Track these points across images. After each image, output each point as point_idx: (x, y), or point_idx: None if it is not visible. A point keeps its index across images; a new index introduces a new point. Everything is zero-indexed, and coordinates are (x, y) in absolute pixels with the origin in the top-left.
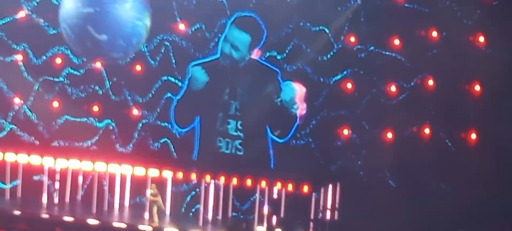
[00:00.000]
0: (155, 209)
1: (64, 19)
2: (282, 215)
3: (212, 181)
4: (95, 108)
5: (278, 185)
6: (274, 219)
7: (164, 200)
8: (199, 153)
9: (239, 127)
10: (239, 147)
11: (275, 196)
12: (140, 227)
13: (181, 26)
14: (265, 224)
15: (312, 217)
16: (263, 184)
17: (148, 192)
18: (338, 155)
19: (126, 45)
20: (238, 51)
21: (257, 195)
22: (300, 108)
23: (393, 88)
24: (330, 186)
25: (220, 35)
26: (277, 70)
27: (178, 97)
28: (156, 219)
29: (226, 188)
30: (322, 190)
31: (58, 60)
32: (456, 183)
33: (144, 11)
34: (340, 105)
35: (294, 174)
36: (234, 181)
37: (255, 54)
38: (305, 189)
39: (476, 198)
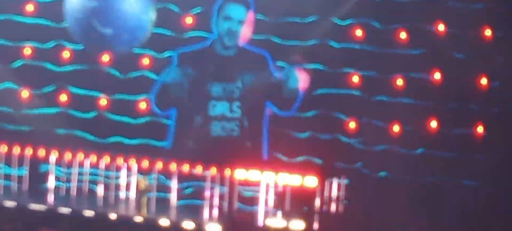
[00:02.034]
0: (144, 199)
1: (69, 13)
2: (286, 207)
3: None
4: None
5: (283, 177)
6: (279, 212)
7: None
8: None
9: (235, 109)
10: (235, 128)
11: (280, 188)
12: (135, 218)
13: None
14: (269, 216)
15: (317, 209)
16: (268, 175)
17: (138, 182)
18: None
19: (131, 38)
20: (242, 25)
21: (260, 186)
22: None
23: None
24: (336, 179)
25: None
26: (265, 54)
27: (161, 82)
28: (145, 209)
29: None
30: (328, 183)
31: None
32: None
33: (149, 4)
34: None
35: (300, 166)
36: (237, 172)
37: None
38: (310, 181)
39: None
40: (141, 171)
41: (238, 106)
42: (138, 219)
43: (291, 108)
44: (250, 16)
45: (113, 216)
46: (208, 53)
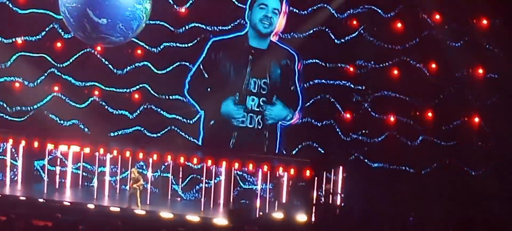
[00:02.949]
0: (138, 193)
1: (63, 3)
2: (284, 199)
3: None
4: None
5: (281, 169)
6: (276, 203)
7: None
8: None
9: (262, 104)
10: (260, 121)
11: (277, 180)
12: (136, 211)
13: None
14: (267, 208)
15: (314, 201)
16: (265, 168)
17: (133, 175)
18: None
19: (125, 28)
20: (277, 15)
21: (259, 179)
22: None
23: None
24: (333, 171)
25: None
26: (295, 54)
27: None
28: (139, 202)
29: (229, 172)
30: (325, 174)
31: None
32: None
33: None
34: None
35: (297, 158)
36: (236, 165)
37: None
38: (308, 173)
39: None
40: (136, 163)
41: (264, 101)
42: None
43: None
44: (284, 7)
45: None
46: (240, 44)
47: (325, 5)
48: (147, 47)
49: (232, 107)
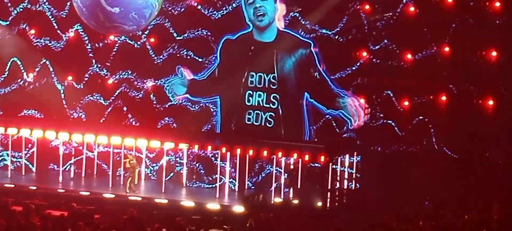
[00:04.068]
0: (130, 179)
1: None
2: (298, 185)
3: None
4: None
5: (295, 156)
6: (291, 190)
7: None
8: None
9: (272, 100)
10: (270, 119)
11: (291, 166)
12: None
13: None
14: (281, 195)
15: (329, 186)
16: (280, 154)
17: (127, 162)
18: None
19: (138, 17)
20: (267, 0)
21: (274, 166)
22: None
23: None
24: (348, 156)
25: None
26: (310, 41)
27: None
28: (133, 187)
29: (243, 160)
30: (340, 160)
31: None
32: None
33: None
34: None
35: (311, 144)
36: (250, 152)
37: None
38: (322, 158)
39: None
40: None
41: (275, 97)
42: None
43: (329, 109)
44: None
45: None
46: (246, 40)
47: None
48: None
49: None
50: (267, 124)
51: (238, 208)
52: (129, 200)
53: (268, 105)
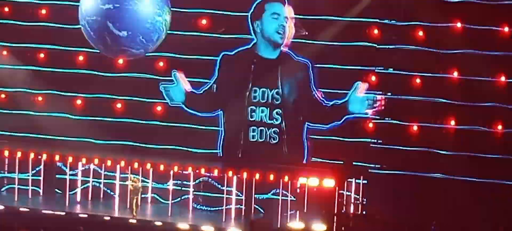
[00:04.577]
0: (135, 200)
1: (83, 16)
2: (305, 209)
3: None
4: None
5: (302, 180)
6: (297, 214)
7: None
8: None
9: (275, 115)
10: (274, 135)
11: (297, 190)
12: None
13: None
14: (288, 219)
15: (336, 211)
16: (286, 178)
17: (129, 183)
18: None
19: (146, 41)
20: (287, 23)
21: (280, 190)
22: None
23: (418, 80)
24: (354, 180)
25: (254, 22)
26: (308, 62)
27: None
28: (136, 210)
29: (249, 183)
30: (346, 184)
31: None
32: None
33: (163, 7)
34: None
35: (318, 168)
36: (257, 175)
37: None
38: (329, 183)
39: None
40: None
41: (279, 113)
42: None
43: (329, 124)
44: (290, 13)
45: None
46: (250, 56)
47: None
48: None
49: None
50: (272, 140)
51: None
52: (130, 223)
53: (271, 121)
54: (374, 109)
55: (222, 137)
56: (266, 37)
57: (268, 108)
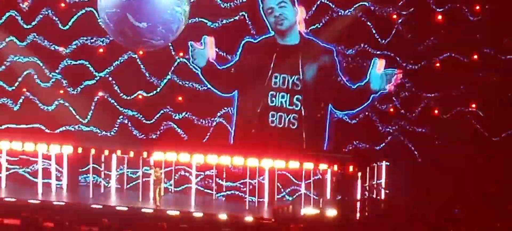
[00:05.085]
0: (158, 191)
1: (103, 8)
2: (328, 195)
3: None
4: None
5: (324, 166)
6: (321, 200)
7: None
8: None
9: (295, 102)
10: (293, 121)
11: (319, 176)
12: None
13: None
14: (311, 205)
15: (359, 196)
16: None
17: (152, 173)
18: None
19: (165, 31)
20: (286, 6)
21: (303, 177)
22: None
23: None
24: (377, 166)
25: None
26: (333, 48)
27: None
28: (159, 201)
29: (272, 171)
30: (369, 170)
31: None
32: None
33: None
34: None
35: (339, 154)
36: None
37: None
38: (351, 169)
39: None
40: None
41: (299, 99)
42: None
43: (357, 108)
44: None
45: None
46: (272, 44)
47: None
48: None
49: None
50: (291, 126)
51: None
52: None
53: (291, 107)
54: (393, 84)
55: (234, 120)
56: (273, 30)
57: (289, 94)
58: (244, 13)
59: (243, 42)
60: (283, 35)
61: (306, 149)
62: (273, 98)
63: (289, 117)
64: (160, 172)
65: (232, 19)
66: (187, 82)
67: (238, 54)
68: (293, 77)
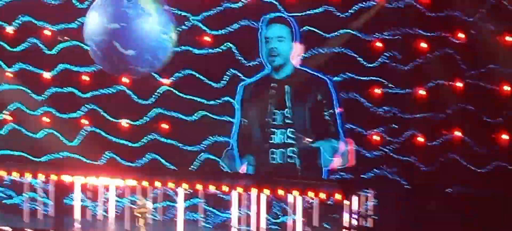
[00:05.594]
0: (142, 221)
1: (89, 36)
2: (315, 224)
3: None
4: None
5: (310, 194)
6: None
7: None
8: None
9: (290, 135)
10: (291, 155)
11: (307, 204)
12: None
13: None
14: None
15: (346, 224)
16: (295, 193)
17: (140, 203)
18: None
19: (152, 59)
20: (284, 41)
21: (288, 205)
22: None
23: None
24: (363, 193)
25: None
26: (327, 79)
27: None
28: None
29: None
30: (355, 197)
31: None
32: None
33: (169, 25)
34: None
35: (326, 181)
36: (266, 191)
37: (298, 53)
38: (338, 196)
39: None
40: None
41: (292, 132)
42: None
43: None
44: (293, 32)
45: None
46: (270, 79)
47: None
48: None
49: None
50: (288, 160)
51: None
52: None
53: (288, 141)
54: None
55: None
56: (266, 62)
57: (285, 130)
58: (230, 44)
59: (240, 88)
60: (276, 69)
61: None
62: (274, 136)
63: (287, 151)
64: (144, 201)
65: (219, 49)
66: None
67: (239, 104)
68: (283, 111)
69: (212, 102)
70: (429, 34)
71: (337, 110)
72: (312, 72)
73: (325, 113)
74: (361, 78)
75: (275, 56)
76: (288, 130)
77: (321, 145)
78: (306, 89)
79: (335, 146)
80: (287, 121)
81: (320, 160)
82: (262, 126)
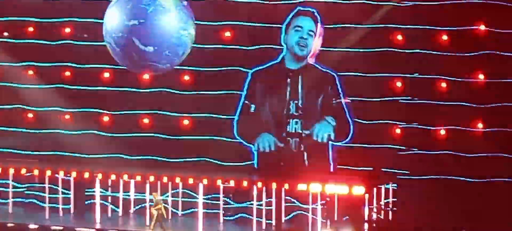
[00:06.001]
0: (155, 218)
1: (108, 33)
2: (335, 217)
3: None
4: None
5: (331, 187)
6: (328, 222)
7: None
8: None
9: (298, 125)
10: (296, 144)
11: (327, 198)
12: None
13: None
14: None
15: (366, 218)
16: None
17: (154, 199)
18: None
19: (172, 55)
20: (312, 36)
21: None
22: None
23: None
24: (384, 186)
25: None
26: (334, 74)
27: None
28: (157, 228)
29: (278, 193)
30: (376, 190)
31: None
32: None
33: (188, 21)
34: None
35: (347, 175)
36: (286, 186)
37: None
38: (358, 190)
39: None
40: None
41: (299, 123)
42: None
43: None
44: (319, 29)
45: None
46: (278, 70)
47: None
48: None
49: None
50: (301, 149)
51: None
52: None
53: (301, 132)
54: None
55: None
56: (289, 48)
57: (300, 120)
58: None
59: (250, 73)
60: (297, 60)
61: (312, 171)
62: (288, 126)
63: (292, 141)
64: (159, 198)
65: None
66: None
67: (246, 88)
68: (299, 102)
69: None
70: None
71: (344, 100)
72: (321, 68)
73: (333, 102)
74: None
75: (305, 47)
76: (300, 120)
77: (320, 125)
78: (317, 82)
79: (331, 122)
80: (299, 112)
81: (328, 153)
82: (275, 113)
